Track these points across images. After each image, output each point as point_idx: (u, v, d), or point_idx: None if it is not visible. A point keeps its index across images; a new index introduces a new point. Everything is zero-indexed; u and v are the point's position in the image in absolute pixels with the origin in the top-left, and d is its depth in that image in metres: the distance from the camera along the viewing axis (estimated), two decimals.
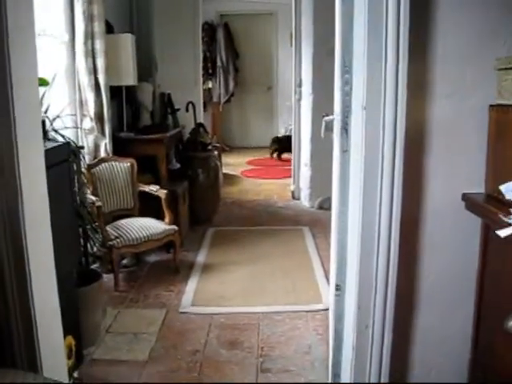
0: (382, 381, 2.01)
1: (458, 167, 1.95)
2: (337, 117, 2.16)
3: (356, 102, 1.90)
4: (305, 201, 6.59)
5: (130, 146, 4.64)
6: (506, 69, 1.73)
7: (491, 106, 1.84)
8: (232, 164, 9.27)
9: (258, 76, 11.06)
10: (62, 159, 2.65)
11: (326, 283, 3.96)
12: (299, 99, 6.81)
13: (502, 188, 1.56)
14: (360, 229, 1.93)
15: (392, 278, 1.93)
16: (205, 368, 2.94)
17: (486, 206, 1.78)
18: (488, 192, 1.87)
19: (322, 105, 4.49)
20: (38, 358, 1.99)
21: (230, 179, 8.10)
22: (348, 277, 2.11)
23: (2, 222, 1.79)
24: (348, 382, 2.08)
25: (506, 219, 1.44)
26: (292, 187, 7.04)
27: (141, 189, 4.41)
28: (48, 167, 2.08)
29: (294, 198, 6.92)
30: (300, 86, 6.73)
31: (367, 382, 2.02)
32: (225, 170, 7.83)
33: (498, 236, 1.56)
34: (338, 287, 2.17)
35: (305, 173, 6.57)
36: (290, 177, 7.28)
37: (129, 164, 4.35)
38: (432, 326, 2.08)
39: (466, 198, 1.92)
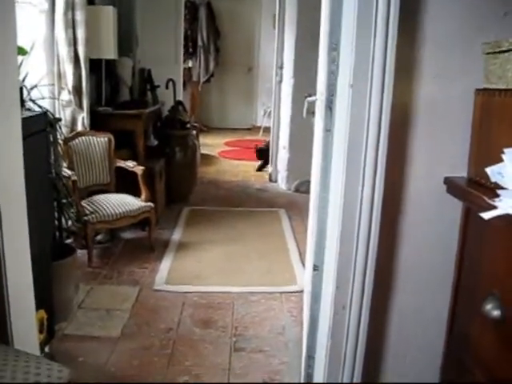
0: (357, 361, 2.01)
1: (441, 150, 1.93)
2: (321, 96, 2.13)
3: (343, 80, 1.87)
4: (282, 183, 6.59)
5: (107, 121, 4.56)
6: (494, 53, 1.72)
7: (477, 89, 1.83)
8: (210, 144, 9.23)
9: (238, 57, 10.99)
10: (39, 129, 2.59)
11: (301, 265, 3.97)
12: (280, 81, 6.78)
13: (488, 170, 1.55)
14: (341, 209, 1.91)
15: (371, 258, 1.92)
16: (178, 346, 2.92)
17: (468, 190, 1.77)
18: (470, 176, 1.86)
19: (302, 87, 4.45)
20: (9, 331, 1.96)
21: (208, 159, 8.07)
22: (326, 257, 2.09)
23: None
24: (323, 360, 2.08)
25: (491, 202, 1.44)
26: (269, 169, 7.03)
27: (117, 164, 4.35)
28: (25, 137, 2.03)
29: (270, 180, 6.92)
30: (281, 68, 6.70)
31: (342, 362, 2.02)
32: (202, 151, 7.79)
33: (477, 220, 1.56)
34: (316, 267, 2.16)
35: (283, 155, 6.56)
36: None
37: (106, 139, 4.28)
38: (410, 309, 2.07)
39: (448, 181, 1.91)
